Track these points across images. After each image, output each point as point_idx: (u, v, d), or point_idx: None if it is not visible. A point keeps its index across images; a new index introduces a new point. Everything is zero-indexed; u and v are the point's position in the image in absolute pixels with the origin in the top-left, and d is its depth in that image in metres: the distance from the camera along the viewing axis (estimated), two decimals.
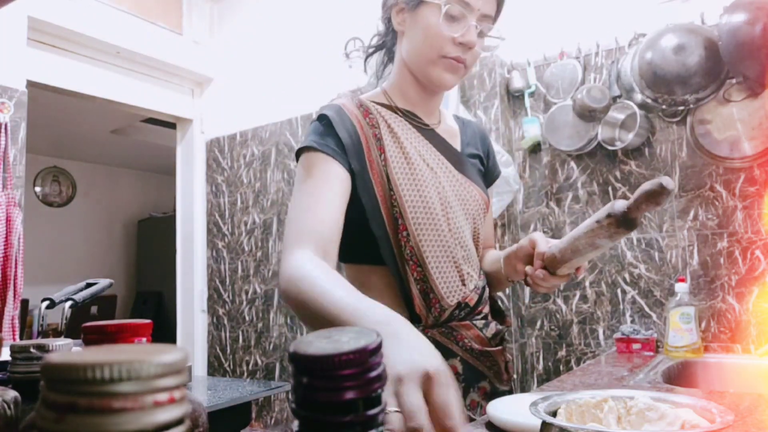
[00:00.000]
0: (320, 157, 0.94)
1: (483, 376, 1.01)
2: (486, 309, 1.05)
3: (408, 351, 0.57)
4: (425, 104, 1.06)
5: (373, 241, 0.96)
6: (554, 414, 0.73)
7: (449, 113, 1.16)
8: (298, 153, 0.97)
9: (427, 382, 0.54)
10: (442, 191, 0.99)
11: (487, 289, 1.07)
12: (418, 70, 1.01)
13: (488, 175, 1.16)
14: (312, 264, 0.80)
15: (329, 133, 0.96)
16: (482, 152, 1.13)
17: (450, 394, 0.54)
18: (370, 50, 1.14)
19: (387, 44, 1.11)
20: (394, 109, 1.04)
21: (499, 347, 1.04)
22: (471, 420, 0.96)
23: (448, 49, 0.96)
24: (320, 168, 0.93)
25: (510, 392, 1.06)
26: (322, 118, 0.98)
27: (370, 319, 0.66)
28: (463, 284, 0.99)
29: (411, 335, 0.62)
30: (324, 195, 0.90)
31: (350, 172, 0.95)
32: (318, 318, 0.73)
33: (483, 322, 1.03)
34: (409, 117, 1.04)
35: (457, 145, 1.09)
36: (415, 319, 0.97)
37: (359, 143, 0.97)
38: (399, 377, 0.53)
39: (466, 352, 0.99)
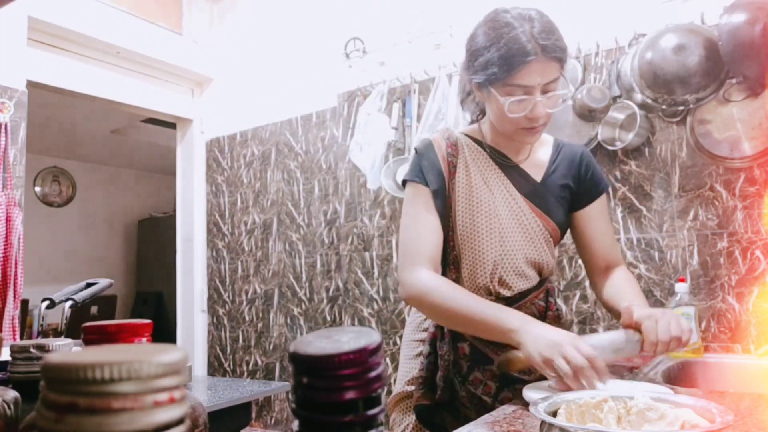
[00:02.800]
0: (413, 186, 1.19)
1: (491, 361, 1.14)
2: None
3: (552, 333, 0.94)
4: (511, 144, 1.21)
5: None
6: (554, 414, 0.73)
7: (551, 141, 1.27)
8: (404, 183, 1.23)
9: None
10: (494, 215, 1.16)
11: (526, 299, 1.19)
12: (502, 131, 1.17)
13: (582, 196, 1.23)
14: (438, 279, 1.11)
15: (422, 165, 1.19)
16: (571, 178, 1.22)
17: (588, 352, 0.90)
18: (463, 96, 1.30)
19: (475, 98, 1.25)
20: (482, 145, 1.21)
21: None
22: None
23: (522, 124, 1.10)
24: (416, 195, 1.18)
25: (526, 381, 1.14)
26: (416, 151, 1.22)
27: (512, 322, 0.99)
28: (490, 290, 1.15)
29: (547, 327, 0.97)
30: (429, 219, 1.16)
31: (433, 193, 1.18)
32: (461, 320, 1.06)
33: None
34: (494, 153, 1.21)
35: (539, 175, 1.21)
36: None
37: (439, 170, 1.18)
38: (557, 345, 0.90)
39: (476, 338, 1.16)
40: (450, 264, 1.19)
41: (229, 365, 2.94)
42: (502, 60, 1.06)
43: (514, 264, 1.16)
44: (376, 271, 2.50)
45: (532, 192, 1.20)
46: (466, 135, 1.24)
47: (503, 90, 1.07)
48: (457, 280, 1.17)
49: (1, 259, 2.01)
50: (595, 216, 1.24)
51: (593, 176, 1.24)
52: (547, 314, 1.24)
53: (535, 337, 0.94)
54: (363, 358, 0.32)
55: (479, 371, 1.16)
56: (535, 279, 1.20)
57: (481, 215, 1.16)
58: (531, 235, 1.17)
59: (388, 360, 2.38)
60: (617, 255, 1.26)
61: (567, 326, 1.38)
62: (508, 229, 1.16)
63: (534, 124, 1.10)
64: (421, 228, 1.16)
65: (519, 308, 1.15)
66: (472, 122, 1.30)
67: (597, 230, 1.23)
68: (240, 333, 2.91)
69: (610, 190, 2.01)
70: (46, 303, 1.40)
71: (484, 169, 1.19)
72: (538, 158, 1.24)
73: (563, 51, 1.10)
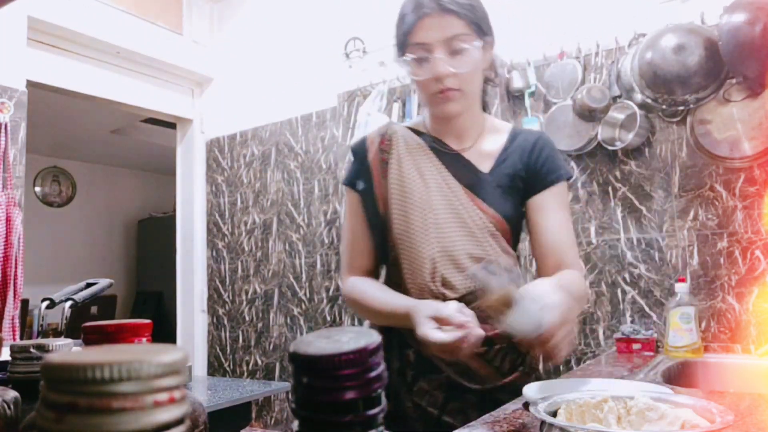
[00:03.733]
0: (347, 191, 1.20)
1: (439, 370, 1.07)
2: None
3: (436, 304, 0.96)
4: (452, 131, 1.15)
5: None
6: (554, 414, 0.73)
7: (507, 129, 1.18)
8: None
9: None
10: (428, 209, 1.09)
11: (478, 302, 1.07)
12: (426, 108, 1.15)
13: (533, 184, 1.11)
14: (361, 284, 1.14)
15: (353, 167, 1.19)
16: (523, 166, 1.11)
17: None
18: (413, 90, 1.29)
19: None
20: (422, 135, 1.16)
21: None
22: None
23: (431, 88, 1.06)
24: (348, 201, 1.20)
25: (483, 392, 1.06)
26: (351, 151, 1.21)
27: (404, 306, 1.01)
28: (434, 293, 1.07)
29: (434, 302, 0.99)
30: (356, 228, 1.17)
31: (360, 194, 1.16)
32: (378, 315, 1.10)
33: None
34: (435, 142, 1.15)
35: (486, 166, 1.12)
36: None
37: (368, 170, 1.15)
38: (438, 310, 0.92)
39: (421, 345, 1.03)
40: (391, 265, 1.15)
41: (229, 365, 2.94)
42: (400, 20, 1.06)
43: (456, 261, 1.07)
44: None
45: (476, 182, 1.11)
46: (409, 127, 1.19)
47: (410, 58, 1.05)
48: (399, 282, 1.10)
49: (1, 259, 2.01)
50: (546, 206, 1.10)
51: (547, 163, 1.12)
52: None
53: (420, 317, 0.94)
54: (363, 358, 0.32)
55: (425, 381, 1.08)
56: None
57: (414, 210, 1.09)
58: (472, 229, 1.08)
59: None
60: (573, 258, 1.09)
61: None
62: (445, 224, 1.08)
63: (441, 86, 1.04)
64: (350, 235, 1.18)
65: (473, 309, 1.05)
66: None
67: (547, 222, 1.09)
68: (240, 333, 2.91)
69: (610, 189, 2.01)
70: (46, 303, 1.40)
71: (421, 160, 1.13)
72: (486, 147, 1.15)
73: (462, 6, 1.03)
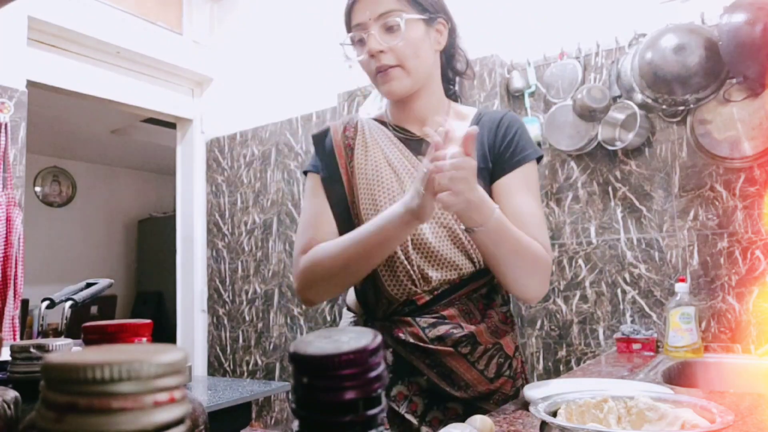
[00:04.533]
0: (308, 177, 1.14)
1: (418, 372, 1.01)
2: (449, 312, 1.03)
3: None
4: (412, 117, 1.12)
5: None
6: (554, 414, 0.73)
7: (471, 114, 1.14)
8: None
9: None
10: (396, 196, 1.04)
11: (460, 292, 1.04)
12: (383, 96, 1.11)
13: (499, 165, 1.06)
14: (318, 246, 1.03)
15: (316, 153, 1.15)
16: (487, 148, 1.06)
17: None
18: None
19: None
20: (386, 125, 1.13)
21: (447, 348, 1.01)
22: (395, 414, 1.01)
23: (371, 67, 1.05)
24: (309, 186, 1.13)
25: (467, 400, 1.01)
26: (313, 139, 1.16)
27: (394, 212, 0.91)
28: (414, 285, 1.02)
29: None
30: (317, 209, 1.09)
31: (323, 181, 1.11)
32: (358, 256, 0.97)
33: (431, 321, 1.01)
34: (397, 130, 1.12)
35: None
36: (367, 311, 1.09)
37: (333, 157, 1.11)
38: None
39: (399, 345, 1.02)
40: None
41: (229, 365, 2.94)
42: (344, 9, 1.08)
43: (431, 250, 1.02)
44: None
45: None
46: (372, 118, 1.17)
47: (351, 39, 1.07)
48: (374, 276, 1.04)
49: (1, 259, 2.01)
50: (513, 188, 1.03)
51: (513, 142, 1.06)
52: (487, 312, 1.05)
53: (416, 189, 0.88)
54: (363, 358, 0.32)
55: (403, 384, 1.01)
56: (466, 267, 1.03)
57: (384, 199, 1.04)
58: (441, 217, 1.03)
59: None
60: (542, 242, 1.00)
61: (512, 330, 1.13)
62: None
63: (378, 63, 1.03)
64: (310, 216, 1.09)
65: (451, 303, 1.03)
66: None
67: (514, 204, 1.02)
68: (240, 333, 2.91)
69: (610, 189, 2.01)
70: (46, 303, 1.40)
71: (387, 147, 1.09)
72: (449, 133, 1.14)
73: None
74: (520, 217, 0.99)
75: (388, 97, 1.08)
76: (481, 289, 1.06)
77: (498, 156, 1.06)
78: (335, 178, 1.10)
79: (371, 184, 1.06)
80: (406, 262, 1.02)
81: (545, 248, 1.00)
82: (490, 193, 1.05)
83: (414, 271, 1.02)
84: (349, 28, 1.08)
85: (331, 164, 1.11)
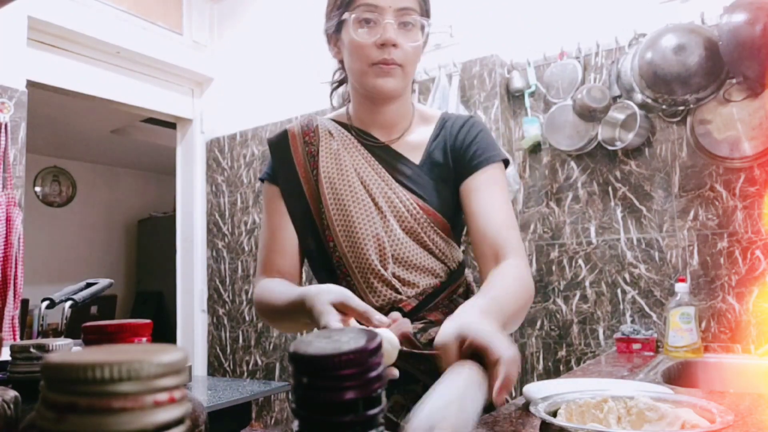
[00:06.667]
0: (265, 186, 1.09)
1: (414, 379, 0.96)
2: (435, 316, 1.00)
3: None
4: (380, 121, 1.07)
5: (310, 254, 1.06)
6: (554, 414, 0.73)
7: (435, 117, 1.10)
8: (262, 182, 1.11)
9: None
10: (367, 205, 1.00)
11: (442, 296, 1.02)
12: (358, 86, 1.04)
13: (462, 168, 1.03)
14: (269, 281, 1.00)
15: (273, 161, 1.09)
16: (450, 153, 1.04)
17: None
18: (334, 85, 1.19)
19: (345, 76, 1.13)
20: (348, 128, 1.08)
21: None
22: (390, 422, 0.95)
23: (373, 56, 0.97)
24: (267, 198, 1.08)
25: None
26: (269, 144, 1.10)
27: (327, 292, 0.81)
28: (397, 292, 0.99)
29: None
30: (275, 224, 1.05)
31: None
32: (278, 313, 0.94)
33: (420, 326, 0.98)
34: (361, 136, 1.07)
35: (417, 157, 1.05)
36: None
37: (291, 165, 1.06)
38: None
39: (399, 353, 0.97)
40: (335, 270, 1.01)
41: (229, 365, 2.94)
42: None
43: (406, 258, 0.99)
44: None
45: (410, 176, 1.03)
46: (332, 120, 1.11)
47: (354, 17, 0.97)
48: (350, 286, 0.97)
49: (1, 259, 2.01)
50: (477, 189, 1.00)
51: (475, 145, 1.03)
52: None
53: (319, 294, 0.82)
54: (363, 358, 0.32)
55: (400, 394, 0.96)
56: (442, 270, 1.02)
57: (357, 213, 1.00)
58: (409, 224, 1.00)
59: None
60: (512, 242, 0.95)
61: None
62: (389, 220, 1.00)
63: (386, 56, 0.96)
64: (267, 234, 1.06)
65: (436, 306, 1.01)
66: (341, 107, 1.17)
67: (478, 205, 0.98)
68: (240, 333, 2.91)
69: (610, 189, 2.01)
70: (46, 303, 1.40)
71: (351, 153, 1.04)
72: (416, 139, 1.07)
73: None
74: (487, 218, 0.96)
75: (378, 93, 1.00)
76: (458, 289, 1.05)
77: (460, 159, 1.03)
78: (296, 189, 1.04)
79: (341, 196, 1.01)
80: (382, 270, 0.99)
81: (520, 254, 0.95)
82: (456, 197, 1.03)
83: (392, 279, 0.99)
84: (344, 7, 0.99)
85: (290, 174, 1.05)
